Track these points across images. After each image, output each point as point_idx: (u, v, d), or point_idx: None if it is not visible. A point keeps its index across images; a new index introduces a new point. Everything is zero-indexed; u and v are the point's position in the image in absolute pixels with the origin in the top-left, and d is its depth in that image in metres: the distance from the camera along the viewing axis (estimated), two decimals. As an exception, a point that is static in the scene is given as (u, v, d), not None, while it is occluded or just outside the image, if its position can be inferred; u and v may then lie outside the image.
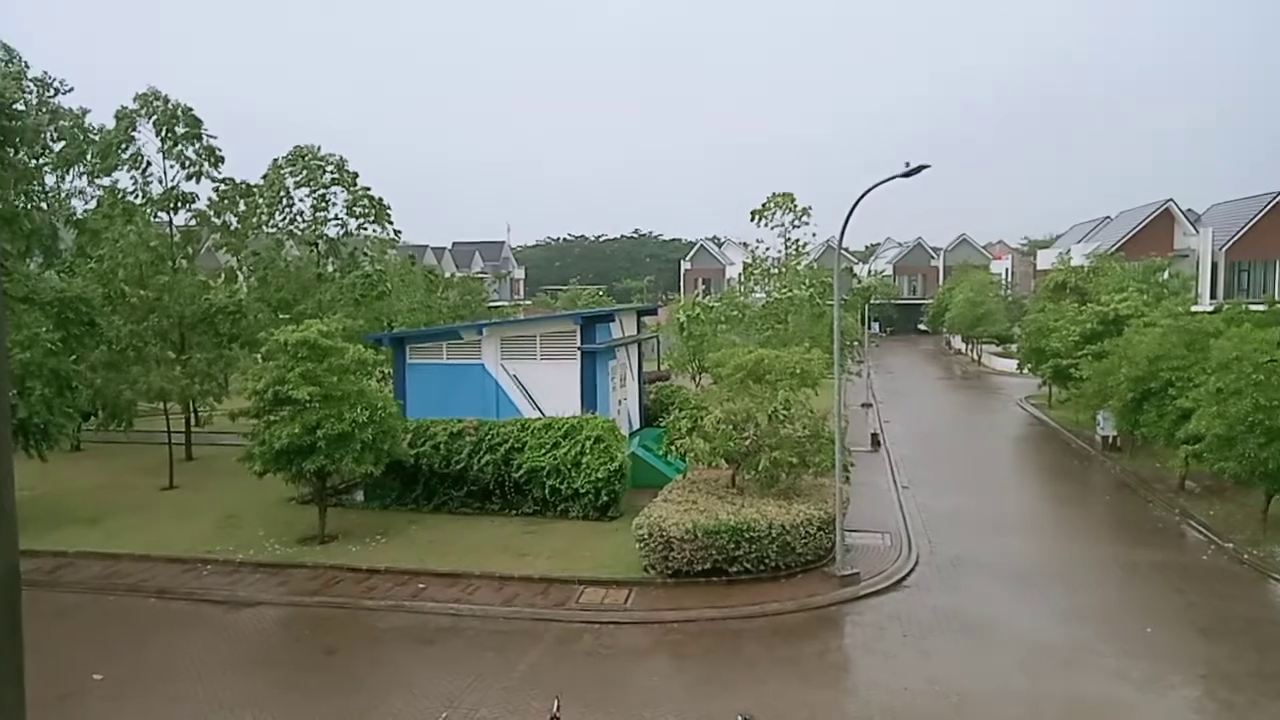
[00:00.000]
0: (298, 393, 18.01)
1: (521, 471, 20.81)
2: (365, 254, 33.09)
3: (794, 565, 17.13)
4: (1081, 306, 35.72)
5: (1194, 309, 34.17)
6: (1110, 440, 29.70)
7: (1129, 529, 21.04)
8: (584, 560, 17.84)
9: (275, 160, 31.95)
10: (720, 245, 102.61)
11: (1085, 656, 13.61)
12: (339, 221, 32.29)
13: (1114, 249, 50.40)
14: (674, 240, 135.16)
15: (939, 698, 12.35)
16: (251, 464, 18.92)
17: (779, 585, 16.60)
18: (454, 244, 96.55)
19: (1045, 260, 64.87)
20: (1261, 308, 39.22)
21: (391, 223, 33.02)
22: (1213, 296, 50.16)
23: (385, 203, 32.50)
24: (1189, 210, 57.75)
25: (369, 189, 32.36)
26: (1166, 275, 40.34)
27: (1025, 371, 43.20)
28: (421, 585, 16.89)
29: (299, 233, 32.03)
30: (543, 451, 20.79)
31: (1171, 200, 55.02)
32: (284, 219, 32.01)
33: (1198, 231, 54.40)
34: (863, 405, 40.57)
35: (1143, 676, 12.90)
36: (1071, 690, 12.51)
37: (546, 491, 20.77)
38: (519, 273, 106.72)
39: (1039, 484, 27.53)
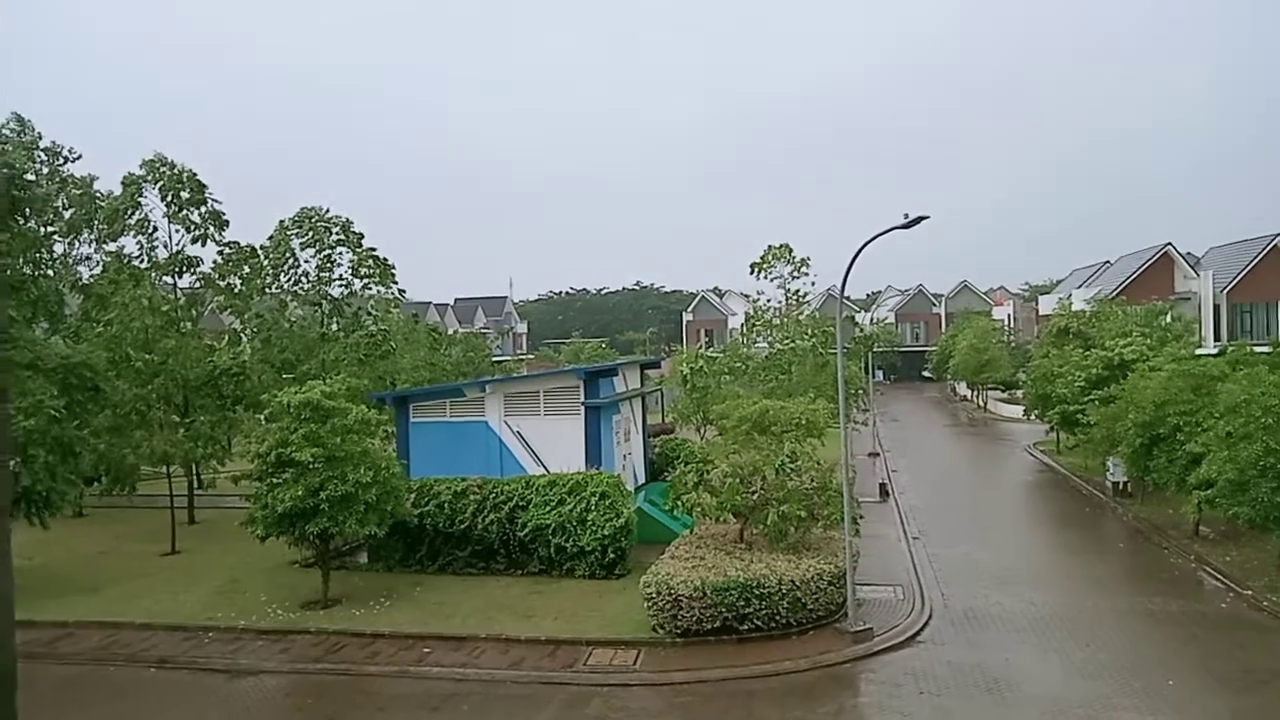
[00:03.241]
0: (301, 455, 17.92)
1: (526, 530, 20.58)
2: (369, 313, 33.26)
3: (805, 622, 16.81)
4: (1086, 352, 35.69)
5: (1198, 352, 34.09)
6: (1121, 486, 29.40)
7: (1145, 577, 20.68)
8: (591, 620, 17.54)
9: (281, 222, 32.31)
10: (721, 296, 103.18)
11: (1107, 713, 13.24)
12: (343, 281, 32.54)
13: (1115, 293, 50.58)
14: (675, 292, 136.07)
15: (959, 759, 11.99)
16: (254, 528, 18.73)
17: (791, 643, 16.27)
18: (456, 300, 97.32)
19: (1047, 305, 65.09)
20: (1266, 349, 39.23)
21: (396, 282, 33.24)
22: (1216, 339, 50.13)
23: (390, 262, 32.77)
24: (1188, 254, 58.09)
25: (374, 249, 32.67)
26: (1169, 319, 40.34)
27: (1032, 418, 42.97)
28: (427, 649, 16.58)
29: (303, 293, 32.25)
30: (548, 509, 20.59)
31: (1170, 244, 55.39)
32: (289, 280, 32.26)
33: (1198, 274, 54.66)
34: (870, 455, 40.25)
35: (1167, 733, 12.54)
36: (1095, 749, 12.15)
37: (552, 550, 20.51)
38: (521, 327, 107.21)
39: (1051, 532, 27.17)
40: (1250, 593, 18.58)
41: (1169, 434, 23.57)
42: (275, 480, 18.29)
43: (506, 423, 23.26)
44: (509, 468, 22.69)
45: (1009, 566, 21.85)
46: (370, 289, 32.90)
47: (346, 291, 32.69)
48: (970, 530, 26.10)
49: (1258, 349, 38.28)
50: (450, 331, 57.99)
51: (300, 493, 17.88)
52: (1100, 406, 28.64)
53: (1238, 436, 19.34)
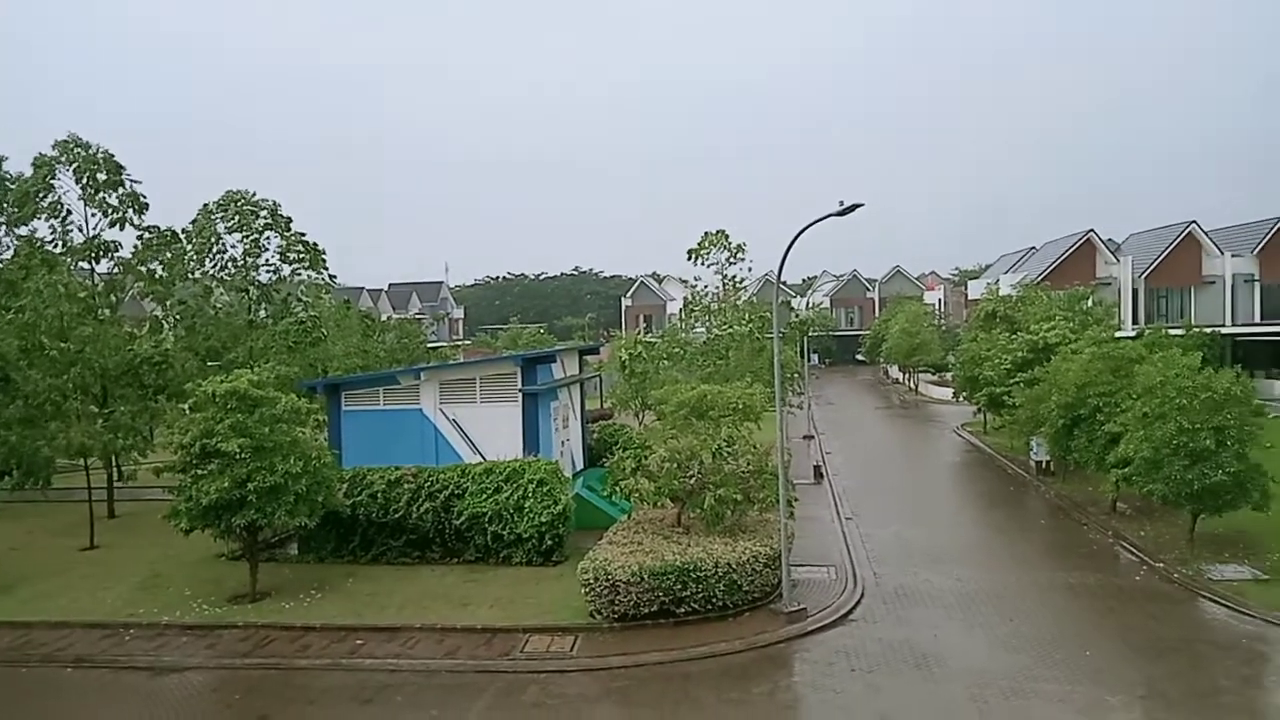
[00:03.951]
0: (227, 445, 17.38)
1: (462, 518, 20.37)
2: (299, 299, 32.41)
3: (741, 603, 17.01)
4: (1012, 335, 36.76)
5: (1117, 335, 35.40)
6: (1044, 465, 30.40)
7: (1065, 553, 21.45)
8: (528, 607, 17.46)
9: (205, 205, 31.23)
10: (660, 281, 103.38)
11: (1029, 684, 13.72)
12: (272, 267, 31.63)
13: (1040, 278, 52.13)
14: (614, 277, 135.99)
15: (888, 734, 12.29)
16: (177, 521, 18.13)
17: (727, 625, 16.45)
18: (390, 285, 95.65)
19: (975, 290, 66.79)
20: (1180, 333, 41.01)
21: (326, 267, 32.45)
22: (1135, 323, 52.14)
23: (320, 247, 31.96)
24: (1109, 240, 60.17)
25: (304, 234, 31.81)
26: (1090, 303, 41.75)
27: (960, 400, 44.18)
28: (359, 641, 16.31)
29: (229, 279, 31.25)
30: (484, 497, 20.41)
31: (1093, 230, 57.29)
32: (214, 265, 31.23)
33: (1118, 260, 56.69)
34: (804, 437, 40.92)
35: (1085, 701, 13.04)
36: (1019, 719, 12.56)
37: (489, 538, 20.35)
38: (458, 313, 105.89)
39: (977, 510, 27.99)
40: (1162, 565, 19.42)
41: (1089, 415, 24.44)
42: (200, 472, 17.73)
43: (442, 410, 22.95)
44: (445, 456, 22.41)
45: (938, 545, 22.44)
46: (300, 274, 32.06)
47: (275, 277, 31.80)
48: (901, 510, 26.73)
49: (1173, 332, 40.09)
50: (384, 318, 56.94)
51: (226, 484, 17.36)
52: (1025, 388, 29.55)
53: (1153, 417, 20.14)
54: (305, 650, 16.04)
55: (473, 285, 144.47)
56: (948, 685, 13.83)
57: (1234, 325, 52.79)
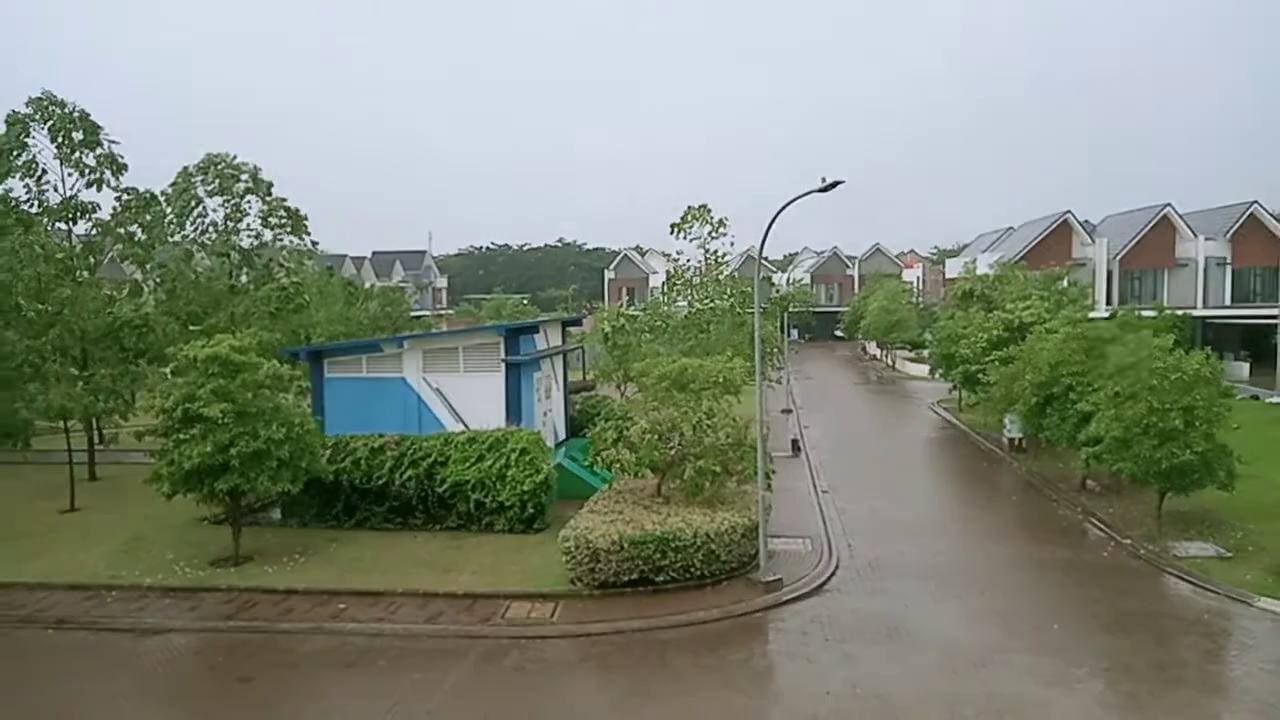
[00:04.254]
0: (209, 410, 17.38)
1: (445, 486, 20.54)
2: (281, 265, 32.16)
3: (719, 573, 17.34)
4: (988, 314, 37.22)
5: (1091, 316, 35.90)
6: (1017, 442, 30.94)
7: (1036, 528, 21.96)
8: (510, 574, 17.71)
9: (185, 168, 30.80)
10: (644, 254, 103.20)
11: (998, 655, 14.14)
12: (253, 232, 31.32)
13: (1017, 258, 52.67)
14: (598, 249, 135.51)
15: (861, 701, 12.66)
16: (159, 485, 18.17)
17: (705, 593, 16.78)
18: (374, 253, 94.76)
19: (953, 269, 67.35)
20: (1152, 314, 41.66)
21: (309, 233, 32.17)
22: (1108, 303, 52.83)
23: (302, 213, 31.66)
24: (1086, 221, 60.75)
25: (285, 199, 31.50)
26: (1066, 283, 42.33)
27: (937, 376, 44.75)
28: (342, 605, 16.49)
29: (210, 243, 30.94)
30: (467, 465, 20.56)
31: (1070, 212, 57.81)
32: (195, 229, 30.89)
33: (1094, 241, 57.30)
34: (783, 411, 41.34)
35: (1052, 673, 13.47)
36: (987, 689, 12.97)
37: (471, 505, 20.54)
38: (441, 282, 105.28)
39: (951, 485, 28.51)
40: (1130, 542, 19.95)
41: (1062, 394, 24.89)
42: (182, 436, 17.72)
43: (425, 379, 23.01)
44: (427, 424, 22.50)
45: (912, 518, 22.89)
46: (281, 240, 31.78)
47: (257, 242, 31.49)
48: (877, 484, 27.18)
49: (1145, 313, 40.71)
50: (367, 285, 56.61)
51: (209, 449, 17.39)
52: (1000, 366, 29.98)
53: (1124, 396, 20.56)
54: (288, 614, 16.21)
55: (456, 255, 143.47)
56: (919, 655, 14.23)
57: (1205, 308, 53.65)
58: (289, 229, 31.30)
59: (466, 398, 22.70)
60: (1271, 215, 55.13)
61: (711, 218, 41.64)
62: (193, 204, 30.12)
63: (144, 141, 31.40)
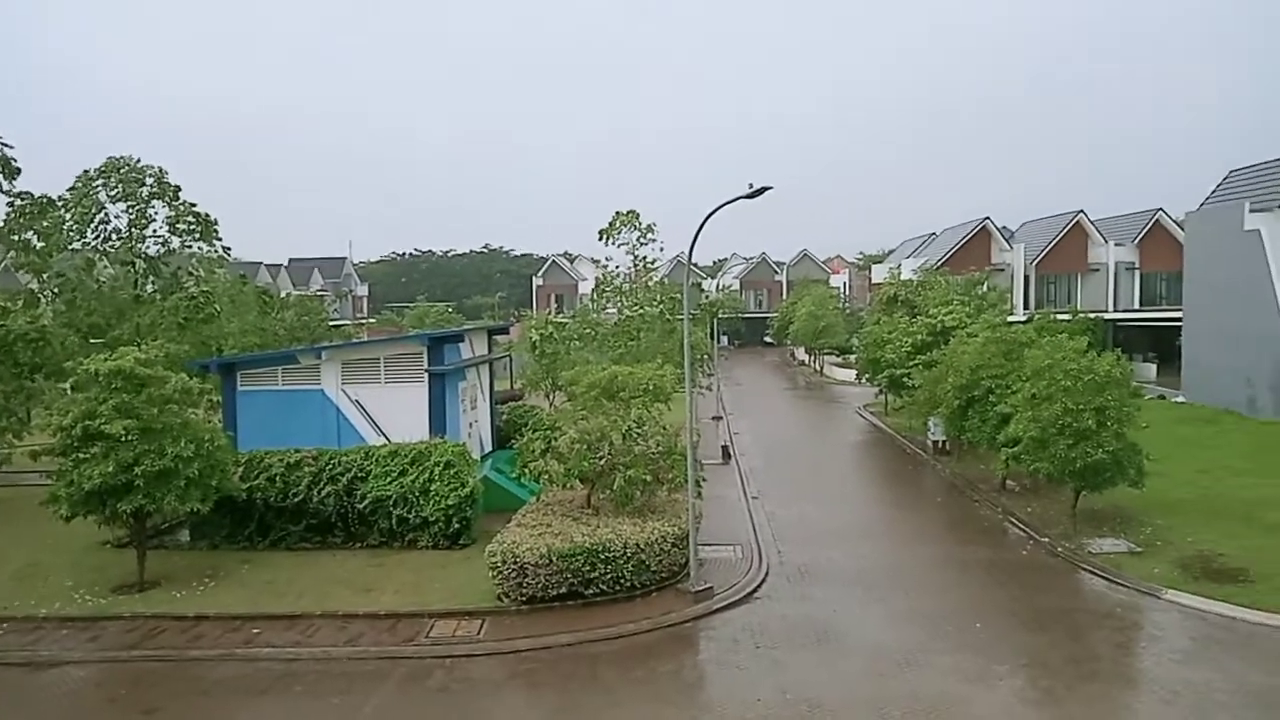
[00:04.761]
0: (111, 428, 16.43)
1: (366, 502, 19.87)
2: (190, 273, 30.88)
3: (650, 584, 17.15)
4: (912, 319, 37.99)
5: (1010, 320, 36.98)
6: (940, 445, 31.59)
7: (959, 529, 22.38)
8: (434, 592, 17.20)
9: (85, 172, 29.35)
10: (573, 261, 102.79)
11: (923, 655, 14.28)
12: (160, 239, 30.01)
13: (939, 264, 53.99)
14: (526, 255, 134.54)
15: (790, 707, 12.60)
16: (57, 507, 17.12)
17: (635, 605, 16.57)
18: (290, 260, 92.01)
19: (879, 274, 68.74)
20: (1067, 318, 43.16)
21: (220, 239, 31.00)
22: (1026, 308, 54.60)
23: (212, 218, 30.47)
24: (1004, 227, 62.77)
25: (194, 204, 30.27)
26: (985, 288, 43.50)
27: (863, 381, 45.52)
28: (255, 630, 15.75)
29: (113, 251, 29.52)
30: (389, 480, 19.94)
31: (989, 218, 59.65)
32: (96, 236, 29.44)
33: (1011, 247, 59.19)
34: (713, 418, 41.49)
35: (974, 670, 13.65)
36: (912, 690, 13.06)
37: (394, 521, 19.92)
38: (362, 290, 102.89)
39: (878, 489, 28.93)
40: (1047, 540, 20.47)
41: (982, 396, 25.49)
42: (82, 455, 16.72)
43: (344, 391, 22.29)
44: (347, 438, 21.79)
45: (839, 522, 23.10)
46: (190, 247, 30.52)
47: (164, 249, 30.19)
48: (806, 489, 27.40)
49: (1060, 317, 42.13)
50: (283, 294, 54.87)
51: (111, 469, 16.44)
52: (923, 370, 30.61)
53: (1040, 398, 21.12)
54: (197, 641, 15.40)
55: (378, 262, 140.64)
56: (846, 659, 14.28)
57: (1115, 311, 55.97)
58: (198, 235, 30.11)
59: (388, 410, 22.08)
60: (1175, 222, 57.87)
61: (640, 223, 41.67)
62: (94, 210, 28.72)
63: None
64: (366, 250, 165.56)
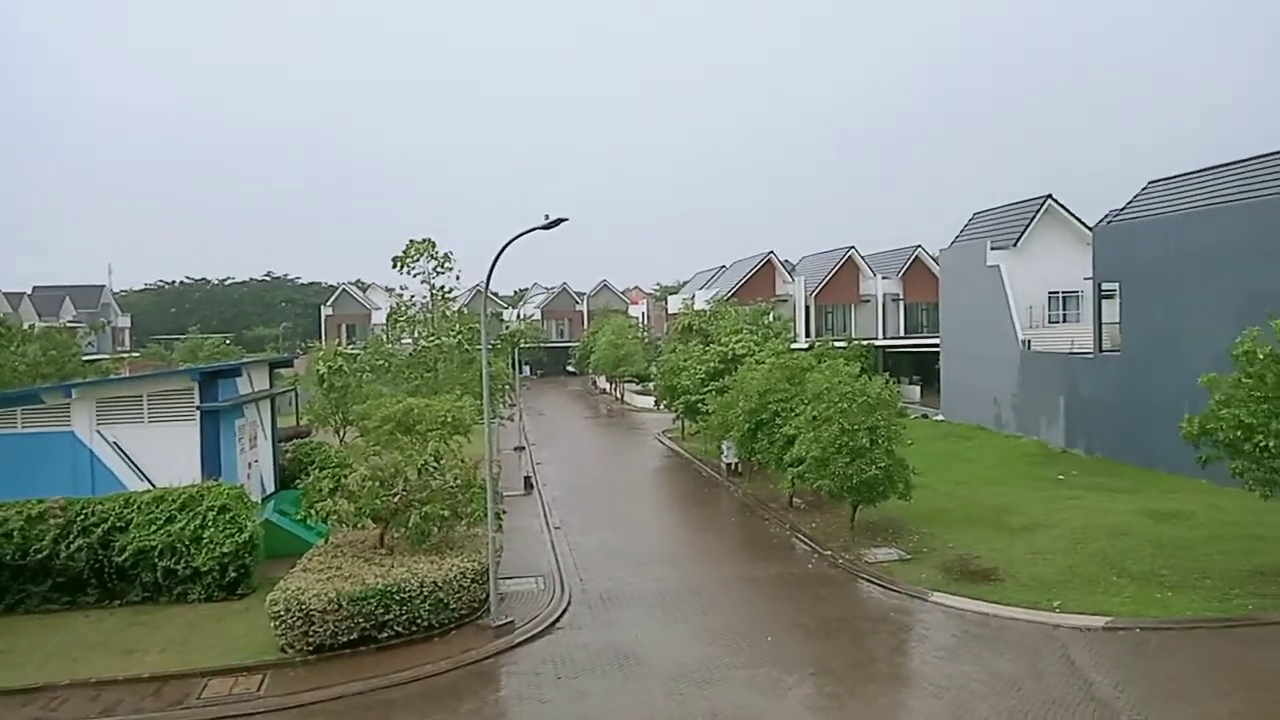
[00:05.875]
0: None
1: (126, 554, 17.88)
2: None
3: (448, 622, 16.59)
4: (705, 347, 39.60)
5: (793, 347, 39.41)
6: (734, 466, 32.97)
7: (752, 547, 23.38)
8: (208, 648, 15.71)
9: None
10: (365, 290, 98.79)
11: (720, 672, 14.71)
12: None
13: (729, 295, 56.81)
14: (313, 284, 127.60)
15: (593, 737, 12.55)
16: None
17: (433, 645, 15.96)
18: (35, 288, 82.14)
19: (674, 305, 71.34)
20: (843, 344, 46.68)
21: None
22: (807, 336, 58.52)
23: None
24: (786, 261, 67.12)
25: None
26: (771, 318, 46.19)
27: (662, 407, 46.84)
28: (-15, 710, 13.71)
29: None
30: (154, 529, 18.06)
31: (772, 252, 63.66)
32: None
33: (793, 280, 63.36)
34: (515, 449, 41.09)
35: (767, 682, 14.23)
36: (710, 707, 13.40)
37: (159, 574, 18.04)
38: (124, 321, 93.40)
39: (676, 512, 29.72)
40: (830, 553, 21.80)
41: (770, 419, 26.91)
42: None
43: (100, 432, 20.07)
44: (104, 485, 19.59)
45: (640, 547, 23.47)
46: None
47: None
48: (607, 516, 27.64)
49: (837, 344, 45.50)
50: (26, 326, 48.76)
51: None
52: (717, 396, 31.90)
53: (821, 419, 22.57)
54: (-93, 730, 13.18)
55: (143, 290, 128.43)
56: (647, 682, 14.44)
57: (884, 338, 61.27)
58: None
59: (153, 452, 20.09)
60: (932, 257, 64.30)
61: (437, 252, 40.81)
62: None
63: None
64: (129, 278, 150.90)
